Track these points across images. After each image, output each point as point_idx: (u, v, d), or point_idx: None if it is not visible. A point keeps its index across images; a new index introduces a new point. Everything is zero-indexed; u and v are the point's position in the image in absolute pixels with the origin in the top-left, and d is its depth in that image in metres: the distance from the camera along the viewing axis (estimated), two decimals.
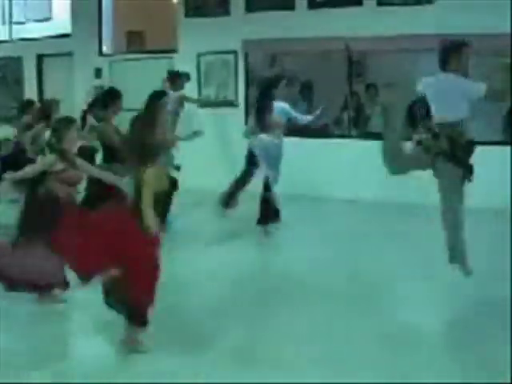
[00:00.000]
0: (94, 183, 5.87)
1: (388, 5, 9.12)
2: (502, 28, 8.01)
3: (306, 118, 7.94)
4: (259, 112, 7.43)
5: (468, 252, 5.15)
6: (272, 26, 9.66)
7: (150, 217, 4.20)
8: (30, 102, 8.86)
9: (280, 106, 7.46)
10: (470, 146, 5.19)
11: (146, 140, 4.28)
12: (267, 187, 7.41)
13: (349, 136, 9.72)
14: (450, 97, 5.14)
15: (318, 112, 8.05)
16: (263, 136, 7.35)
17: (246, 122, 10.12)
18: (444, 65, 5.27)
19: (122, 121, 6.85)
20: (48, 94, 11.79)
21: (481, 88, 5.10)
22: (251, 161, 7.52)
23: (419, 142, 5.23)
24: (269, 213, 7.48)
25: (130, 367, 4.15)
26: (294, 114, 7.69)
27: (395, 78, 9.48)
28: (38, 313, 5.07)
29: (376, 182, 8.13)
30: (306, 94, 10.32)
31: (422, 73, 8.99)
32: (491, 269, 5.82)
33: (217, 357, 4.24)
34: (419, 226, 7.51)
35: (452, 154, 5.10)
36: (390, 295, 5.48)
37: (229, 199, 7.69)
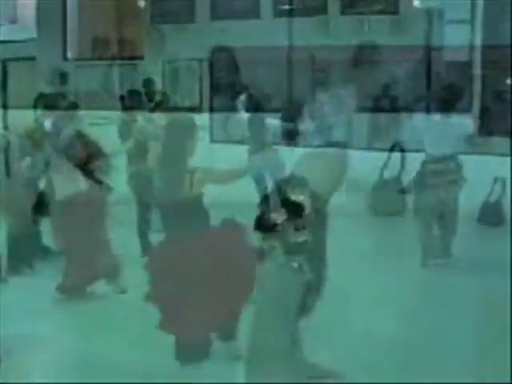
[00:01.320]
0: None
1: (352, 14, 9.20)
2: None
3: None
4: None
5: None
6: (237, 33, 9.68)
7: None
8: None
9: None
10: None
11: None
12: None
13: (310, 145, 9.63)
14: (451, 137, 5.91)
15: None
16: (256, 157, 7.21)
17: (211, 128, 10.16)
18: (447, 106, 6.00)
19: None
20: (12, 98, 11.66)
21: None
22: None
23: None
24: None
25: None
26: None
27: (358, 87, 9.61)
28: None
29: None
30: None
31: (385, 82, 9.29)
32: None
33: None
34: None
35: None
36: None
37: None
